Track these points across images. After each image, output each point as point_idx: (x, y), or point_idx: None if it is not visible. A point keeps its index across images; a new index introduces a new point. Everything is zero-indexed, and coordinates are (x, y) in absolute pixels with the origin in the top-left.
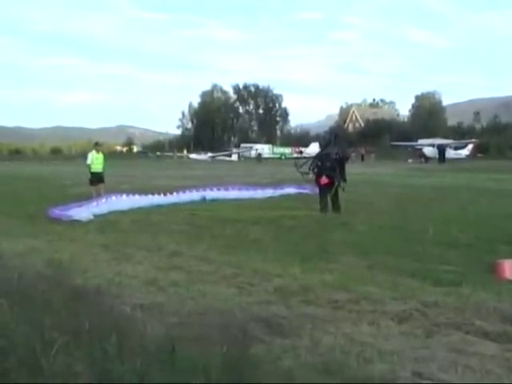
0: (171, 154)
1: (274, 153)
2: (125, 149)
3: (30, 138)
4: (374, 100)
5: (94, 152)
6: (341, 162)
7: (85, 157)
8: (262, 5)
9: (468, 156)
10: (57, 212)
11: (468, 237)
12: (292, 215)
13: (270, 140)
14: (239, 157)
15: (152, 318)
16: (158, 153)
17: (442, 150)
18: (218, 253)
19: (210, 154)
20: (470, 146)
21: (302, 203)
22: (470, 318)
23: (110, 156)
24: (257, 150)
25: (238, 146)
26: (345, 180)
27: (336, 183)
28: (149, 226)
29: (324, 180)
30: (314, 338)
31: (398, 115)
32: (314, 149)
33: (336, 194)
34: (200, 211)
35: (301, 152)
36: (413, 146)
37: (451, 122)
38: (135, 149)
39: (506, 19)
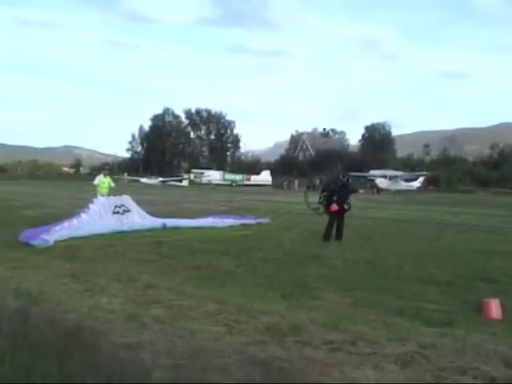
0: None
1: (224, 179)
2: (72, 170)
3: None
4: (324, 129)
5: (101, 175)
6: (348, 192)
7: (32, 176)
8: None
9: (419, 188)
10: (30, 234)
11: (444, 273)
12: (260, 246)
13: (221, 166)
14: (190, 182)
15: (144, 360)
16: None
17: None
18: (193, 286)
19: (160, 179)
20: (422, 179)
21: (264, 233)
22: (473, 362)
23: (58, 177)
24: (208, 175)
25: (188, 172)
26: (349, 208)
27: (346, 208)
28: (115, 254)
29: (334, 207)
30: None
31: (348, 145)
32: (265, 177)
33: (343, 222)
34: (164, 239)
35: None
36: (365, 177)
37: (399, 153)
38: (82, 170)
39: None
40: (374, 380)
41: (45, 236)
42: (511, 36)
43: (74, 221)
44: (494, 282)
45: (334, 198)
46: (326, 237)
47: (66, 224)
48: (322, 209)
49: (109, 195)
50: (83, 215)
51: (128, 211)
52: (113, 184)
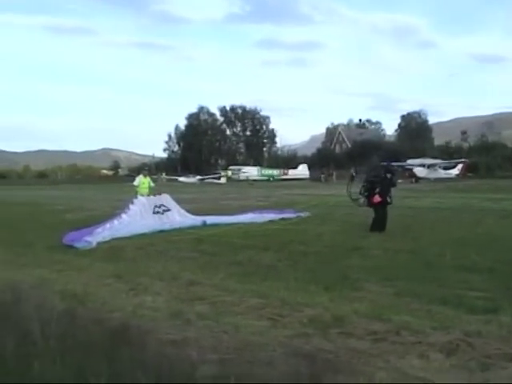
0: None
1: (262, 175)
2: (111, 172)
3: (14, 162)
4: (360, 120)
5: (141, 176)
6: (390, 184)
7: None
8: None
9: (458, 175)
10: (74, 237)
11: (487, 260)
12: (300, 240)
13: (258, 162)
14: (228, 179)
15: (190, 356)
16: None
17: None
18: (236, 281)
19: (198, 177)
20: (460, 166)
21: (305, 226)
22: None
23: (97, 180)
24: (246, 172)
25: (225, 169)
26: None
27: (388, 201)
28: (156, 253)
29: (377, 198)
30: (367, 373)
31: (384, 135)
32: (302, 170)
33: (386, 214)
34: (204, 237)
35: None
36: (403, 167)
37: (437, 141)
38: (120, 172)
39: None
40: (419, 369)
41: (88, 238)
42: None
43: (115, 222)
44: None
45: (377, 190)
46: (377, 227)
47: (107, 225)
48: (362, 200)
49: (149, 195)
50: (124, 216)
51: (168, 210)
52: (152, 184)
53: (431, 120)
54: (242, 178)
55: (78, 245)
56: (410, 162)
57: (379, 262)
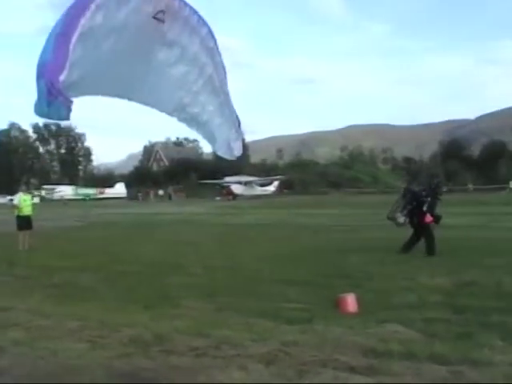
0: None
1: (77, 194)
2: None
3: None
4: (177, 139)
5: (21, 194)
6: (434, 200)
7: None
8: None
9: (274, 192)
10: None
11: (303, 273)
12: (121, 259)
13: (73, 181)
14: (41, 199)
15: None
16: None
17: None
18: (53, 304)
19: (9, 198)
20: (276, 183)
21: (124, 246)
22: (332, 354)
23: None
24: (60, 191)
25: (38, 188)
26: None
27: (439, 217)
28: None
29: (429, 218)
30: None
31: (202, 154)
32: (119, 189)
33: (432, 234)
34: (16, 259)
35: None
36: (220, 184)
37: (253, 159)
38: None
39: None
40: (239, 380)
41: None
42: (353, 42)
43: None
44: (350, 277)
45: (425, 208)
46: (432, 250)
47: None
48: (403, 219)
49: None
50: None
51: None
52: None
53: (248, 138)
54: (56, 197)
55: None
56: (227, 179)
57: (199, 279)
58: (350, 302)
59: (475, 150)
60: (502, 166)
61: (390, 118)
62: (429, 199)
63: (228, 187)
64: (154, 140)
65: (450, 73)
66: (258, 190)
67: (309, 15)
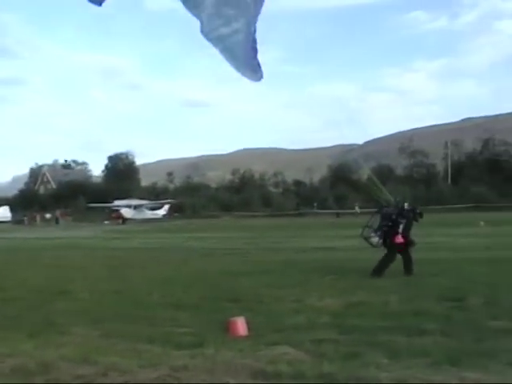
0: None
1: None
2: None
3: None
4: (65, 161)
5: None
6: (411, 221)
7: None
8: None
9: (165, 216)
10: None
11: (193, 297)
12: (1, 286)
13: None
14: None
15: None
16: None
17: None
18: None
19: None
20: (167, 206)
21: (5, 272)
22: (223, 378)
23: None
24: None
25: None
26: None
27: (412, 242)
28: None
29: (399, 239)
30: None
31: (91, 176)
32: (3, 213)
33: (409, 256)
34: None
35: None
36: (109, 208)
37: (144, 182)
38: None
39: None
40: None
41: None
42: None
43: None
44: (240, 301)
45: (400, 230)
46: (379, 271)
47: None
48: (376, 239)
49: None
50: None
51: None
52: None
53: (138, 161)
54: None
55: None
56: (117, 202)
57: (86, 304)
58: (240, 325)
59: (363, 174)
60: (389, 188)
61: (281, 141)
62: (404, 221)
63: (117, 211)
64: (41, 162)
65: (339, 99)
66: (149, 214)
67: (201, 38)
